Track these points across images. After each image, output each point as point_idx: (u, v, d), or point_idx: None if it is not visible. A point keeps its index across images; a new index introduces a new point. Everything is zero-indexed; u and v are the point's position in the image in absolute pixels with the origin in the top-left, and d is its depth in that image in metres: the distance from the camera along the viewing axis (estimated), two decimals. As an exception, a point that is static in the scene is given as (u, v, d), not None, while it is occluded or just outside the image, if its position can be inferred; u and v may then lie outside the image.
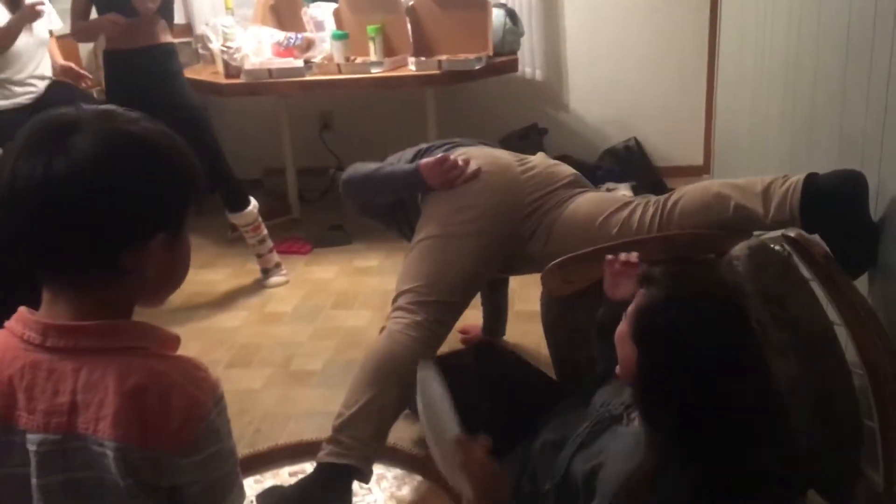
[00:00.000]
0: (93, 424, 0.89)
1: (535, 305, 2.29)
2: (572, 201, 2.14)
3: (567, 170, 2.29)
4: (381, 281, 3.32)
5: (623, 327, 1.36)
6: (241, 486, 0.99)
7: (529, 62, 4.31)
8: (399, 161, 2.36)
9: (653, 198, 2.08)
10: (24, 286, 1.12)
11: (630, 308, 1.34)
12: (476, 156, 2.21)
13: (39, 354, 0.91)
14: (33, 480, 0.90)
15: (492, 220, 2.12)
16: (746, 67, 3.03)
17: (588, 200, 2.14)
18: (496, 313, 2.73)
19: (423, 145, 2.40)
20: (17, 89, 3.32)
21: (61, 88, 3.46)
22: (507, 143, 4.48)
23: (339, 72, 3.76)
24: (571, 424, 1.59)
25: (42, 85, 3.41)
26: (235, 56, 3.78)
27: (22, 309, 0.93)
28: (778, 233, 1.89)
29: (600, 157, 4.41)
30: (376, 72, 3.73)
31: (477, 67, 3.73)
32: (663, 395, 1.24)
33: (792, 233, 1.85)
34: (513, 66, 4.00)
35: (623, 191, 3.93)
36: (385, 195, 2.35)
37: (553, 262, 2.01)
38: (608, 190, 3.98)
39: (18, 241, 0.90)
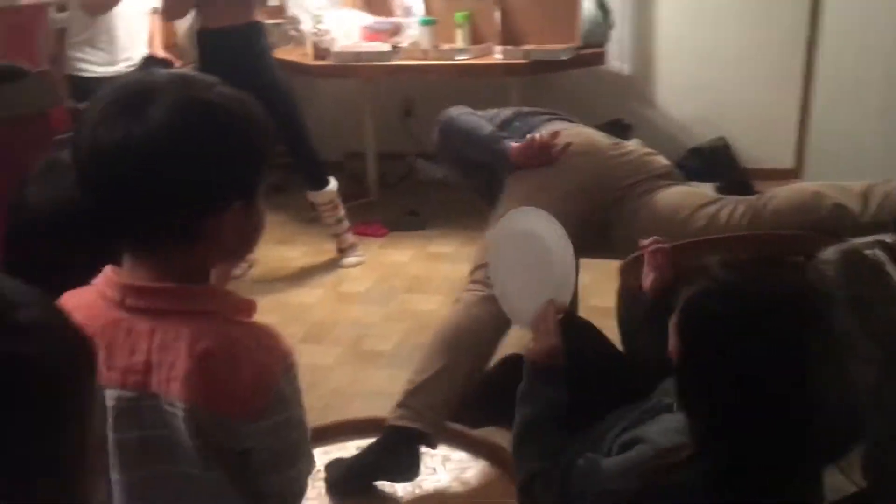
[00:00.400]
0: (165, 385, 0.90)
1: (611, 301, 2.25)
2: (661, 191, 2.09)
3: (662, 160, 2.25)
4: (455, 268, 3.32)
5: (674, 317, 1.34)
6: (310, 456, 1.00)
7: (617, 55, 4.23)
8: (497, 117, 2.36)
9: (744, 198, 2.02)
10: (61, 268, 1.16)
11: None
12: (571, 135, 2.18)
13: (119, 313, 0.93)
14: (110, 435, 0.92)
15: (576, 201, 2.09)
16: (846, 66, 2.91)
17: (677, 192, 2.09)
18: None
19: (524, 109, 2.39)
20: (120, 56, 3.43)
21: (156, 62, 3.57)
22: (589, 137, 4.43)
23: (425, 58, 3.77)
24: (630, 413, 1.58)
25: (138, 57, 3.52)
26: (325, 38, 3.84)
27: (108, 268, 0.96)
28: (872, 238, 1.81)
29: (685, 156, 4.30)
30: (462, 59, 3.73)
31: (564, 58, 3.68)
32: (699, 386, 1.21)
33: (888, 239, 1.77)
34: (600, 58, 3.94)
35: (707, 190, 3.82)
36: (477, 155, 2.35)
37: (632, 255, 1.97)
38: (692, 189, 3.89)
39: (98, 208, 0.92)
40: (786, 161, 4.26)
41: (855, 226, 1.82)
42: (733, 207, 1.96)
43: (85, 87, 3.22)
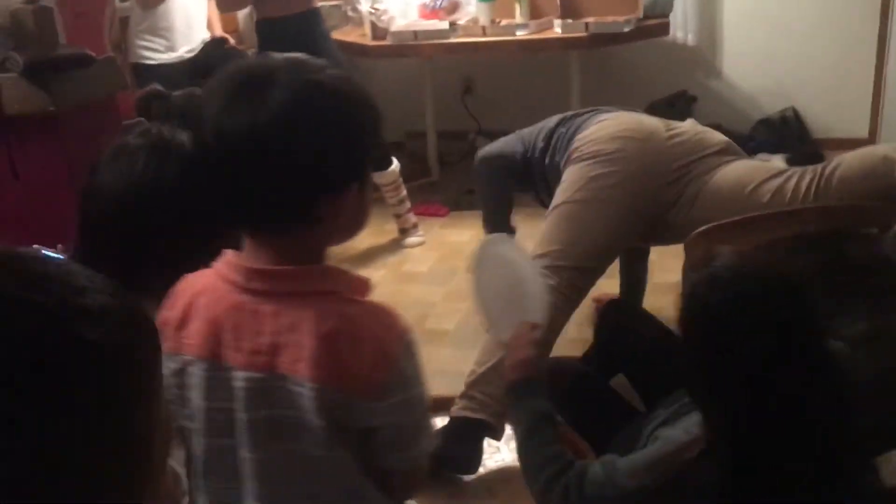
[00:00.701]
0: (292, 366, 0.92)
1: (676, 276, 2.20)
2: (721, 168, 2.03)
3: (718, 137, 2.18)
4: (517, 246, 3.30)
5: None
6: (431, 433, 1.02)
7: (682, 25, 4.12)
8: (540, 132, 2.31)
9: (810, 167, 1.95)
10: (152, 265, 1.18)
11: None
12: (621, 122, 2.14)
13: (243, 296, 0.95)
14: (241, 416, 0.94)
15: (633, 186, 2.05)
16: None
17: (739, 167, 2.03)
18: (634, 285, 2.66)
19: (568, 113, 2.35)
20: (180, 43, 3.49)
21: (216, 44, 3.61)
22: (653, 111, 4.30)
23: (484, 34, 3.73)
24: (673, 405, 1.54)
25: (198, 42, 3.57)
26: (383, 18, 3.83)
27: (229, 252, 0.98)
28: None
29: (753, 128, 4.18)
30: (521, 34, 3.68)
31: (625, 30, 3.60)
32: (702, 380, 1.17)
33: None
34: (663, 29, 3.83)
35: (777, 163, 3.71)
36: (518, 186, 2.38)
37: (697, 230, 1.92)
38: (761, 162, 3.78)
39: (223, 194, 0.93)
40: (859, 130, 4.10)
41: None
42: (799, 178, 1.89)
43: (148, 74, 3.28)
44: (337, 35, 3.80)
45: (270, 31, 3.30)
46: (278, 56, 0.96)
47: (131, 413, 0.59)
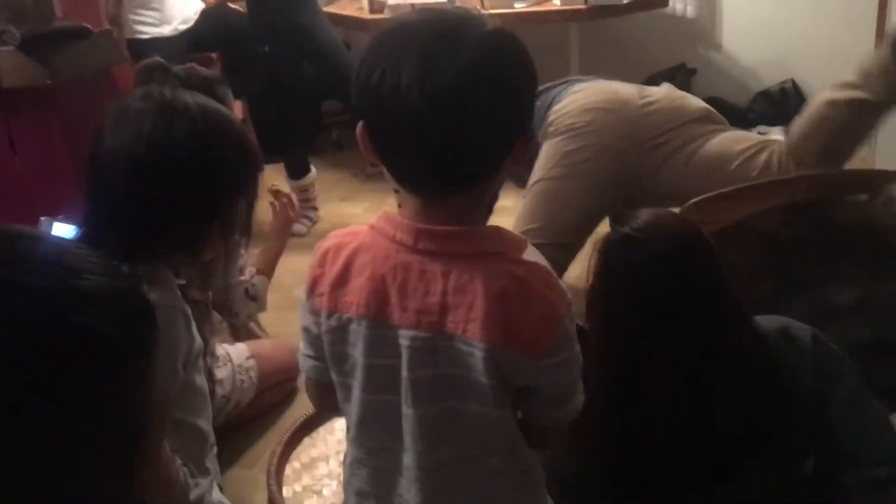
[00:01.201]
0: (462, 325, 0.92)
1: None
2: (704, 140, 2.04)
3: (696, 103, 2.18)
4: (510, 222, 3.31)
5: None
6: (582, 390, 1.02)
7: (681, -3, 4.10)
8: None
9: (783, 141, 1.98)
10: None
11: None
12: (593, 92, 2.13)
13: (410, 256, 0.95)
14: (404, 373, 0.95)
15: (608, 159, 2.05)
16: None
17: (723, 140, 2.03)
18: None
19: (542, 86, 2.34)
20: (173, 15, 3.45)
21: (213, 13, 3.56)
22: (653, 83, 4.31)
23: (482, 6, 3.71)
24: None
25: (194, 14, 3.52)
26: (381, -10, 3.80)
27: (389, 211, 0.99)
28: None
29: (752, 100, 4.17)
30: (520, 6, 3.66)
31: (625, 2, 3.58)
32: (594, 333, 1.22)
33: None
34: (662, 1, 3.82)
35: (776, 135, 3.71)
36: None
37: (691, 202, 1.93)
38: (759, 134, 3.77)
39: (410, 154, 0.91)
40: (859, 103, 4.09)
41: (878, 109, 1.78)
42: (780, 151, 1.91)
43: (142, 49, 3.26)
44: (333, 8, 3.78)
45: (263, 5, 3.28)
46: (443, 9, 0.96)
47: (125, 393, 0.59)
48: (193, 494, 1.21)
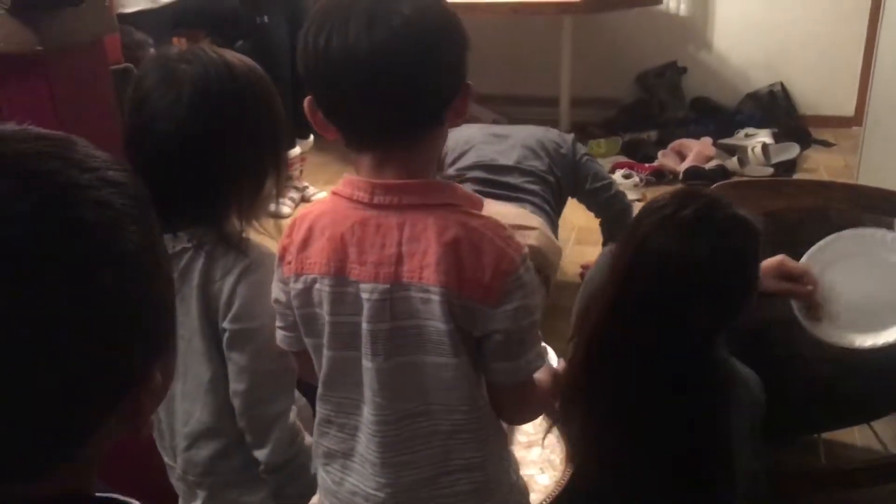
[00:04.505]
0: (417, 272, 0.95)
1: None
2: None
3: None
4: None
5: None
6: (540, 349, 1.04)
7: (675, -5, 4.11)
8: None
9: None
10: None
11: None
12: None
13: (367, 211, 0.97)
14: (364, 325, 0.97)
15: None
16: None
17: None
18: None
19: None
20: None
21: None
22: (642, 81, 4.33)
23: (478, -5, 3.70)
24: None
25: None
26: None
27: (348, 175, 1.01)
28: None
29: (741, 101, 4.20)
30: (514, -4, 3.65)
31: (619, -3, 3.58)
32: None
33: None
34: (657, -3, 3.82)
35: (763, 137, 3.73)
36: None
37: (726, 182, 1.95)
38: (747, 136, 3.79)
39: (357, 108, 0.95)
40: (846, 108, 4.13)
41: None
42: None
43: (125, 23, 3.21)
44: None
45: None
46: None
47: (143, 286, 0.59)
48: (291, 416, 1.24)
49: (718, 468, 1.22)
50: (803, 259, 1.51)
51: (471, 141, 2.50)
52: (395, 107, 0.94)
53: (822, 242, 1.52)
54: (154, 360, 0.61)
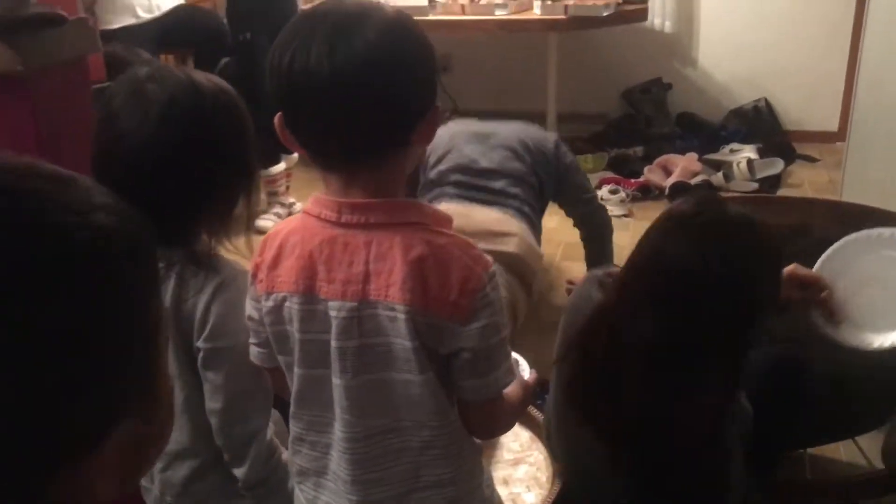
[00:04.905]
0: (384, 290, 0.95)
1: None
2: None
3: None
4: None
5: None
6: (509, 367, 1.03)
7: (660, 12, 4.14)
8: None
9: None
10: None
11: None
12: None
13: (335, 230, 0.98)
14: (332, 343, 0.98)
15: None
16: (900, 26, 2.80)
17: None
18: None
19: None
20: (142, 5, 3.41)
21: (186, 10, 3.54)
22: (628, 97, 4.36)
23: (463, 12, 3.72)
24: None
25: (167, 6, 3.48)
26: (361, -9, 3.79)
27: (317, 194, 1.01)
28: None
29: (726, 117, 4.22)
30: (501, 14, 3.66)
31: (605, 14, 3.60)
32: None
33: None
34: (642, 14, 3.85)
35: (748, 153, 3.76)
36: None
37: (739, 194, 1.98)
38: (732, 151, 3.82)
39: (322, 127, 0.95)
40: (830, 124, 4.16)
41: None
42: None
43: (109, 38, 3.21)
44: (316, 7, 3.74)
45: None
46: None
47: (138, 303, 0.58)
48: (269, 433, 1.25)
49: (715, 482, 1.21)
50: (816, 266, 1.51)
51: (453, 140, 2.47)
52: (355, 130, 0.94)
53: (830, 250, 1.51)
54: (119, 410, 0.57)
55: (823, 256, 1.52)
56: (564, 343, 1.35)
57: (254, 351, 1.10)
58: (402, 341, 0.96)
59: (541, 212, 2.51)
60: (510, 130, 2.53)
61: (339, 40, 0.91)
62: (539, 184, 2.46)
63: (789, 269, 1.45)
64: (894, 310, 1.44)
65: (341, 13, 0.94)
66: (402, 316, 0.94)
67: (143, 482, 1.30)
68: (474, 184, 2.36)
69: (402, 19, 0.97)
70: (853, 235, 1.52)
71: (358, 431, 1.01)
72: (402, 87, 0.95)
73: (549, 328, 2.44)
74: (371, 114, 0.93)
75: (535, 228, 2.43)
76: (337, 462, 1.04)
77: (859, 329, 1.45)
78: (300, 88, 0.93)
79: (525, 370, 1.67)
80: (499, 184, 2.37)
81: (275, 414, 1.32)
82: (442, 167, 2.42)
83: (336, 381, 1.00)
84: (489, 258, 0.99)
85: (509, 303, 2.12)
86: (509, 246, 2.20)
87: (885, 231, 1.50)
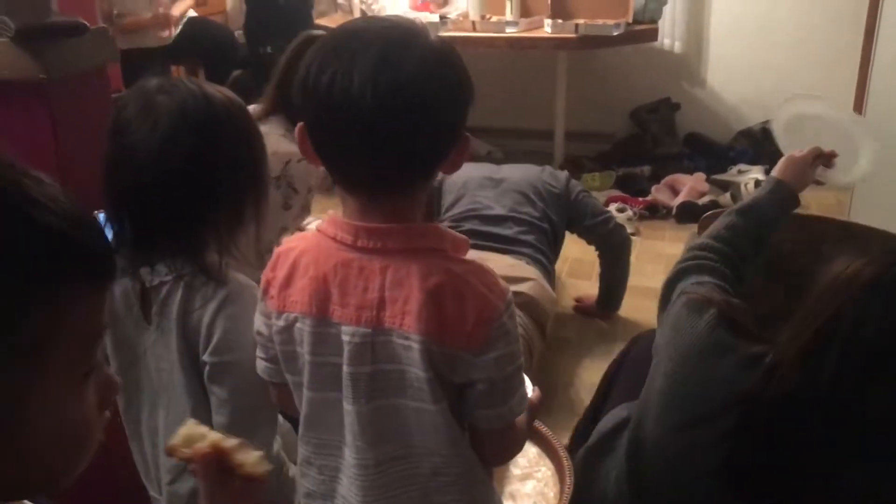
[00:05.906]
0: (399, 319, 0.94)
1: (653, 280, 2.24)
2: None
3: None
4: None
5: None
6: (523, 395, 1.03)
7: (669, 32, 4.16)
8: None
9: None
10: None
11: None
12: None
13: (350, 254, 0.97)
14: (345, 368, 0.97)
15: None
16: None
17: None
18: (614, 287, 2.68)
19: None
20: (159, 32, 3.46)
21: (198, 23, 3.59)
22: (636, 116, 4.37)
23: (474, 29, 3.75)
24: None
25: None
26: (373, 7, 3.83)
27: (333, 213, 1.00)
28: None
29: (734, 138, 4.23)
30: (511, 31, 3.69)
31: (615, 34, 3.63)
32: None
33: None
34: (652, 35, 3.88)
35: (756, 174, 3.76)
36: None
37: (715, 211, 1.98)
38: (740, 172, 3.83)
39: (370, 150, 0.93)
40: (837, 147, 4.17)
41: None
42: None
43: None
44: (325, 21, 3.78)
45: (260, 11, 3.30)
46: (391, 19, 0.99)
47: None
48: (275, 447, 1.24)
49: None
50: (782, 145, 1.87)
51: (467, 185, 2.52)
52: (389, 160, 0.93)
53: (780, 130, 1.99)
54: None
55: (781, 139, 1.90)
56: (692, 404, 1.20)
57: (261, 365, 1.09)
58: (416, 371, 0.95)
59: (554, 257, 2.54)
60: (521, 175, 2.58)
61: (383, 70, 0.89)
62: (552, 227, 2.49)
63: (793, 157, 1.68)
64: (847, 148, 1.83)
65: (387, 38, 0.92)
66: (416, 346, 0.93)
67: (152, 494, 1.30)
68: (488, 232, 2.39)
69: (445, 51, 0.95)
70: (782, 117, 2.02)
71: (369, 458, 1.00)
72: (441, 122, 0.94)
73: (553, 344, 2.46)
74: (407, 145, 0.92)
75: (549, 274, 2.45)
76: (347, 488, 1.03)
77: (843, 170, 1.86)
78: (338, 113, 0.91)
79: (528, 388, 1.67)
80: (512, 231, 2.41)
81: (285, 425, 1.32)
82: (455, 211, 2.47)
83: (348, 406, 0.99)
84: (505, 285, 0.98)
85: (525, 341, 2.13)
86: (524, 289, 2.21)
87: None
